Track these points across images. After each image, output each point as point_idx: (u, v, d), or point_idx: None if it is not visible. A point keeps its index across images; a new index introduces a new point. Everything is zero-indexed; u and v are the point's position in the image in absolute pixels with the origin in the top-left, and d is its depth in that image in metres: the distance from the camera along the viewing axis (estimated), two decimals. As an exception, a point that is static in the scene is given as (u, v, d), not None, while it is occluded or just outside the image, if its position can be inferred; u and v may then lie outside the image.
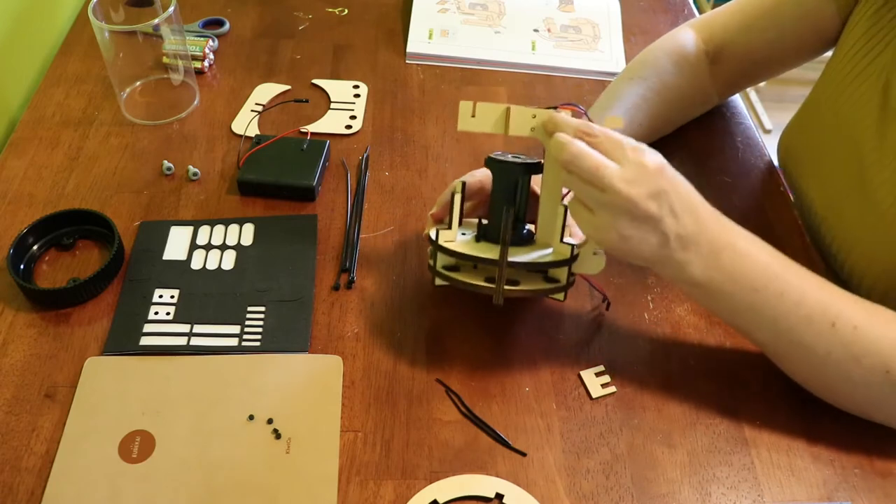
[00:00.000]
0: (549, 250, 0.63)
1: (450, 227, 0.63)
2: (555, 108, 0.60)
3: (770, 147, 0.90)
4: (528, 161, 0.63)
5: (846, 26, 0.75)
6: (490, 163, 0.64)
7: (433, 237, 0.63)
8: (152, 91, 0.90)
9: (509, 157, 0.63)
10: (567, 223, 0.63)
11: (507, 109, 0.60)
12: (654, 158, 0.55)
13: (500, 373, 0.66)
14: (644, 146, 0.56)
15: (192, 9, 1.02)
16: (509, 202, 0.62)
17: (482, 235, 0.65)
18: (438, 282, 0.65)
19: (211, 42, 0.95)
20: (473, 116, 0.60)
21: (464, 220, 0.65)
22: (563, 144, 0.55)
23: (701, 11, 1.03)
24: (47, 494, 0.57)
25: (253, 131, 0.86)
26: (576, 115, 0.59)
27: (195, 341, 0.66)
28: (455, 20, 1.04)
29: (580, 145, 0.55)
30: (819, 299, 0.58)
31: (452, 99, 0.93)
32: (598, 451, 0.61)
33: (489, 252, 0.61)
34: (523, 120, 0.60)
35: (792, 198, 0.85)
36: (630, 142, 0.56)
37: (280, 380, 0.64)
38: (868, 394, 0.59)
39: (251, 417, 0.61)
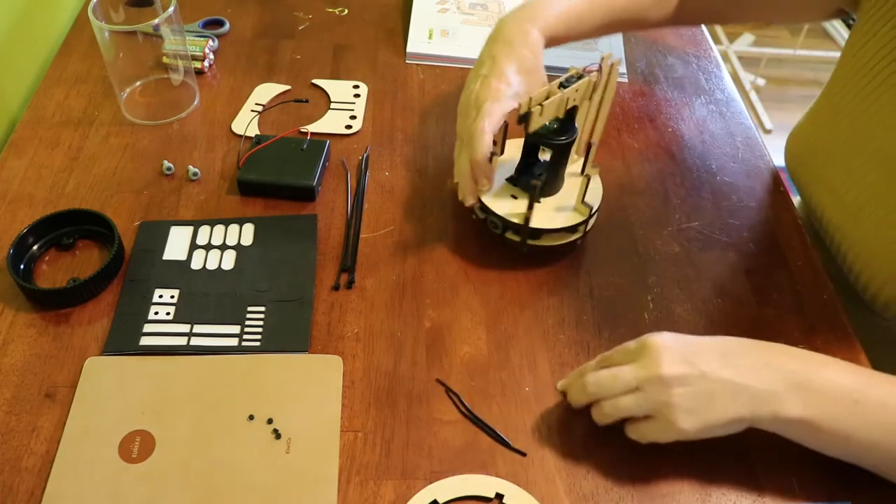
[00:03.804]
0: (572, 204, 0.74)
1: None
2: (581, 73, 0.70)
3: (770, 147, 0.90)
4: (566, 141, 0.71)
5: (859, 27, 0.73)
6: (534, 138, 0.72)
7: (484, 204, 0.73)
8: (152, 91, 0.90)
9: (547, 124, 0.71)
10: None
11: None
12: (658, 337, 0.57)
13: (500, 373, 0.66)
14: (647, 336, 0.58)
15: (192, 9, 1.03)
16: (538, 173, 0.74)
17: (515, 181, 0.75)
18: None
19: (211, 42, 0.95)
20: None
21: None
22: (584, 389, 0.59)
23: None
24: (47, 494, 0.57)
25: (253, 131, 0.86)
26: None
27: (195, 341, 0.66)
28: (455, 20, 1.04)
29: (591, 379, 0.59)
30: None
31: (452, 99, 0.92)
32: (598, 451, 0.61)
33: (523, 196, 0.74)
34: None
35: (796, 201, 0.85)
36: (631, 342, 0.59)
37: (280, 380, 0.64)
38: None
39: (251, 417, 0.62)
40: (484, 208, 0.73)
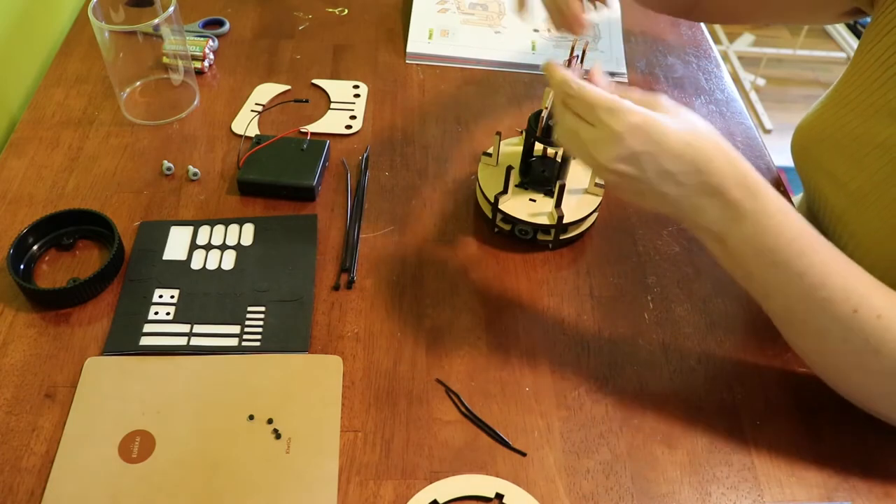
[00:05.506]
0: (583, 187, 0.77)
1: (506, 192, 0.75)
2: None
3: (770, 147, 0.90)
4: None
5: (874, 25, 0.74)
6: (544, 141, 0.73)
7: (508, 215, 0.74)
8: (152, 91, 0.90)
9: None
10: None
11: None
12: (628, 120, 0.54)
13: (500, 373, 0.66)
14: (623, 105, 0.55)
15: (192, 9, 1.03)
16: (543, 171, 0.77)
17: (527, 185, 0.77)
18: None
19: (211, 42, 0.95)
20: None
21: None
22: (555, 90, 0.59)
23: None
24: (47, 494, 0.57)
25: (253, 131, 0.86)
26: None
27: (195, 341, 0.66)
28: (455, 20, 1.04)
29: (557, 128, 0.60)
30: (843, 284, 0.56)
31: (452, 99, 0.93)
32: (598, 451, 0.61)
33: (539, 196, 0.76)
34: None
35: (796, 200, 0.85)
36: (607, 102, 0.55)
37: (280, 380, 0.64)
38: (882, 385, 0.58)
39: (251, 417, 0.62)
40: (508, 219, 0.74)
